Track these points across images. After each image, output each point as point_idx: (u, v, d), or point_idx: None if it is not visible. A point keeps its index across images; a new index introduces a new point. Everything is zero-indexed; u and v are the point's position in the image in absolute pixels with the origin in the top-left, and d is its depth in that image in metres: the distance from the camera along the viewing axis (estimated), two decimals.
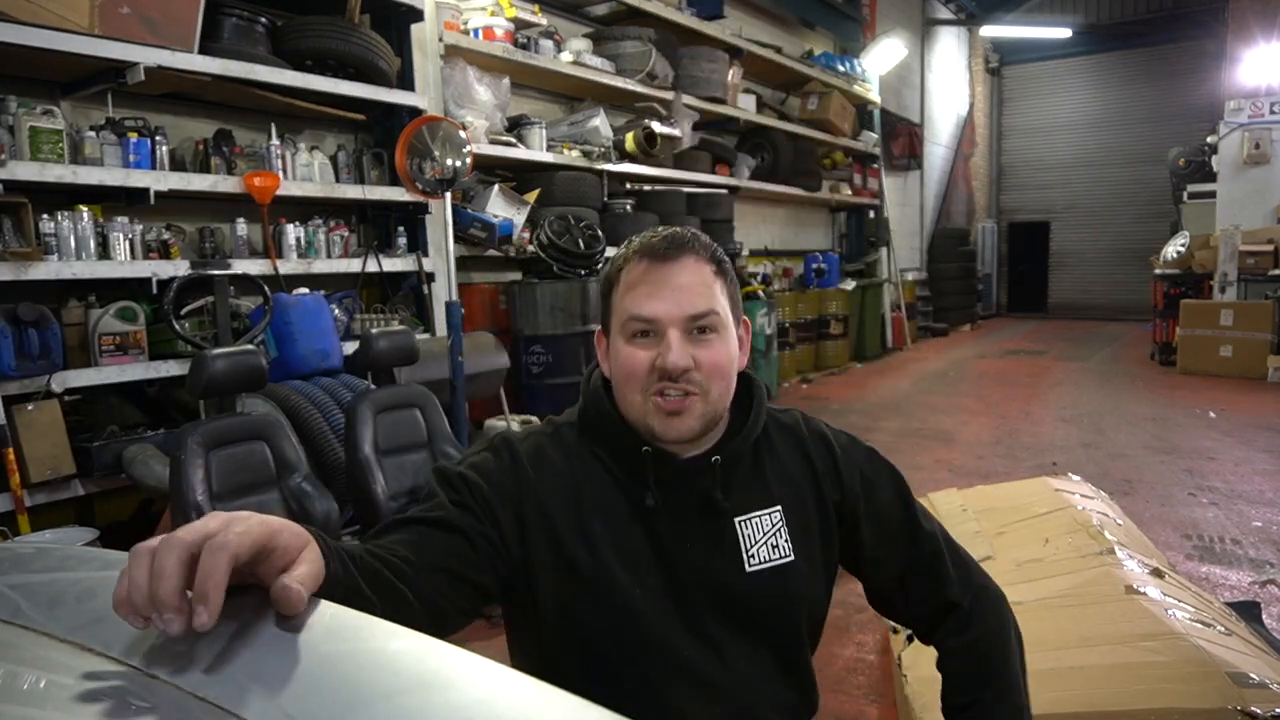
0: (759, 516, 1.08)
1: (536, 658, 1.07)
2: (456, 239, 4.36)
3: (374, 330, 3.21)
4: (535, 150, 5.28)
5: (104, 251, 3.27)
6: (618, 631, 1.02)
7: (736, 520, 1.07)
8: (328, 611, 0.63)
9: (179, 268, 3.36)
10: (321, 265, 4.05)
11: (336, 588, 0.76)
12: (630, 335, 1.03)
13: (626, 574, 1.02)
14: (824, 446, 1.14)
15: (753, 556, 1.06)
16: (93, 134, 3.26)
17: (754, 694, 1.06)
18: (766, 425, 1.13)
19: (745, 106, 7.75)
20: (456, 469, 1.03)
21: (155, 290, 3.29)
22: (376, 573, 0.85)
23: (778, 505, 1.09)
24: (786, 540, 1.08)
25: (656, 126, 6.10)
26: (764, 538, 1.07)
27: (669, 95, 6.49)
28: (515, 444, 1.07)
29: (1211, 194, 9.26)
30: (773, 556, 1.07)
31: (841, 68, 9.64)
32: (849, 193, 10.04)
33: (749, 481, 1.09)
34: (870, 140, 10.39)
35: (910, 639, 2.15)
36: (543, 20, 5.48)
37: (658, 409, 1.01)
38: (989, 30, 14.74)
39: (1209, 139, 9.71)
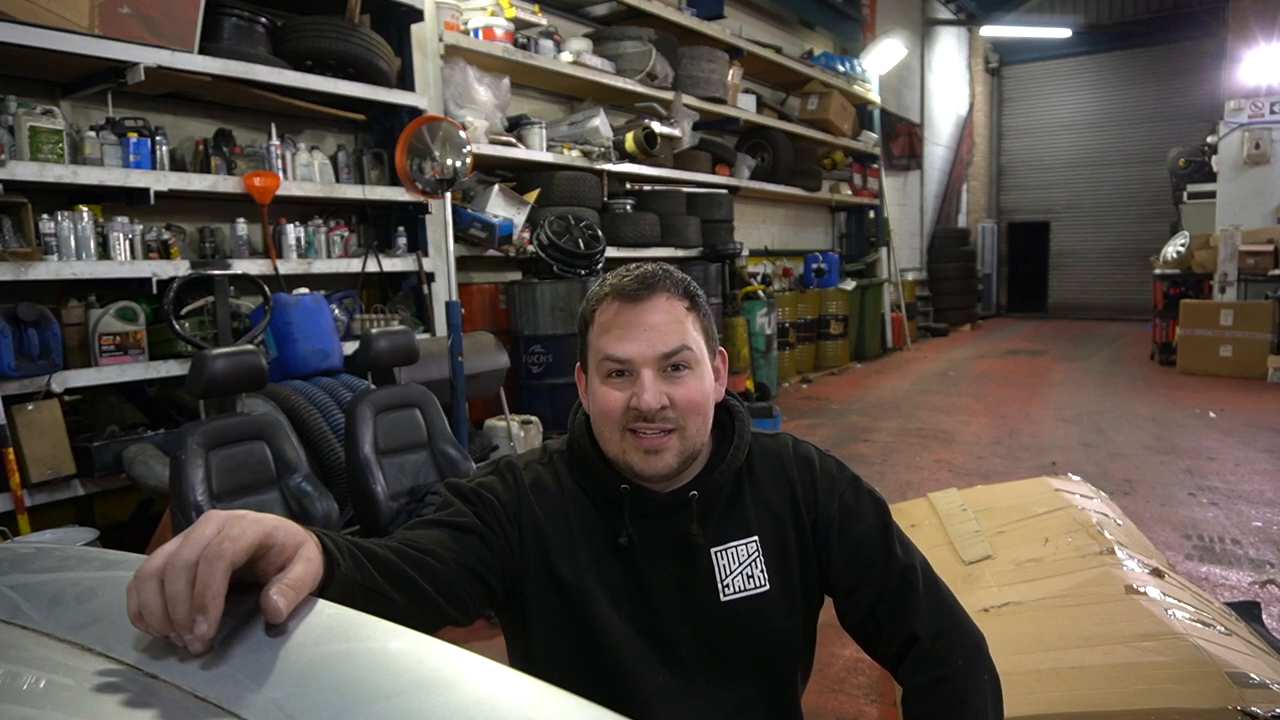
0: (735, 546, 1.08)
1: (523, 671, 1.08)
2: (456, 239, 4.36)
3: (374, 330, 3.21)
4: (535, 150, 5.29)
5: (104, 251, 3.27)
6: (594, 654, 1.05)
7: (713, 550, 1.08)
8: (326, 611, 0.64)
9: (179, 268, 3.36)
10: (321, 265, 4.05)
11: (346, 585, 0.77)
12: (605, 375, 1.04)
13: (606, 600, 1.05)
14: (806, 468, 1.13)
15: (727, 586, 1.07)
16: (93, 134, 3.26)
17: None
18: (751, 452, 1.13)
19: (745, 106, 7.75)
20: (470, 485, 1.07)
21: (155, 290, 3.29)
22: (399, 569, 0.88)
23: (755, 535, 1.09)
24: (763, 570, 1.08)
25: (656, 126, 6.10)
26: (739, 568, 1.08)
27: (669, 95, 6.49)
28: (518, 470, 1.11)
29: (1211, 194, 9.26)
30: (748, 586, 1.07)
31: (841, 68, 9.64)
32: (849, 193, 10.04)
33: (727, 512, 1.10)
34: (870, 140, 10.39)
35: None
36: (543, 20, 5.48)
37: (635, 447, 1.03)
38: (989, 30, 14.74)
39: (1209, 139, 9.71)
